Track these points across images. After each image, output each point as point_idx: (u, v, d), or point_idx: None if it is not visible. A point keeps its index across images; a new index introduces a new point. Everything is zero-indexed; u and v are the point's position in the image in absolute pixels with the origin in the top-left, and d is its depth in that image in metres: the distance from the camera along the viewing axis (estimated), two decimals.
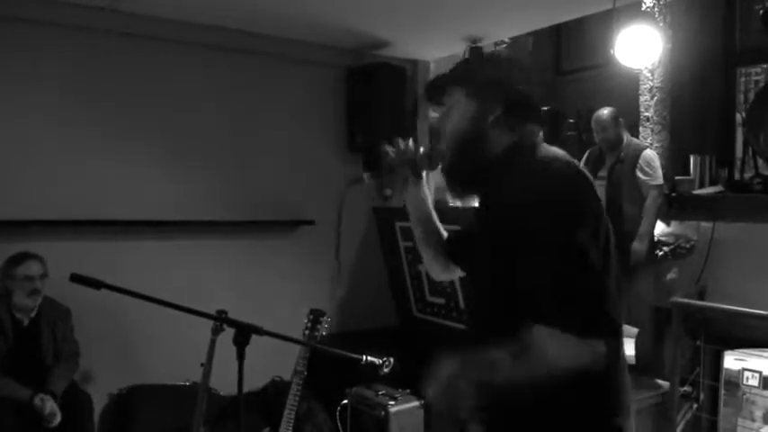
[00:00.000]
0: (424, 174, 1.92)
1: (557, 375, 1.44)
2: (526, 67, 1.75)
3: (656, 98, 4.79)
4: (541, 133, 1.70)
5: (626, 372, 1.63)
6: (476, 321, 1.78)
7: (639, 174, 4.36)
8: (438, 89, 1.75)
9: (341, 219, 4.87)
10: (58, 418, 3.37)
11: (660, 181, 4.37)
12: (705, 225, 4.45)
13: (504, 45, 5.18)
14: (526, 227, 1.46)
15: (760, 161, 4.48)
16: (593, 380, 1.51)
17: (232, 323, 2.10)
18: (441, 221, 2.06)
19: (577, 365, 1.44)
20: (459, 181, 1.75)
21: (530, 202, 1.48)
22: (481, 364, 1.53)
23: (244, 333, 2.04)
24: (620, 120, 4.51)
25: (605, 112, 4.51)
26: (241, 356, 2.03)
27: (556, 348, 1.42)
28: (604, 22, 4.52)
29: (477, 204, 1.78)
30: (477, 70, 1.74)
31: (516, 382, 1.48)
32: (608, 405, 1.57)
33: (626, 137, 4.53)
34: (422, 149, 1.86)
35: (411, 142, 1.86)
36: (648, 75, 4.80)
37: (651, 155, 4.43)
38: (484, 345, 1.56)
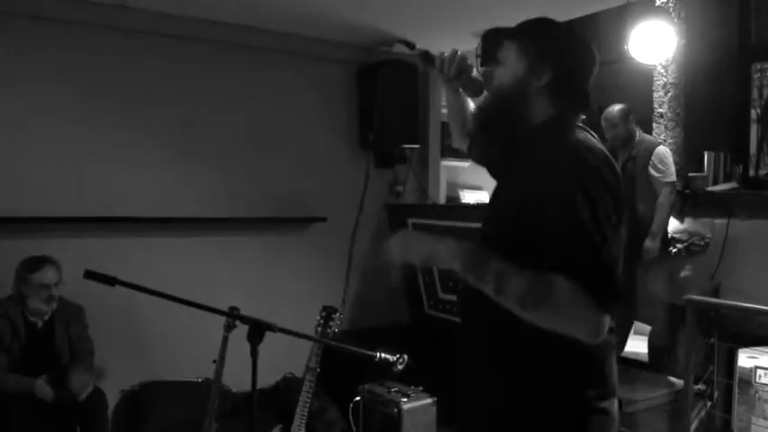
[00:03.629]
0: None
1: (552, 330, 1.41)
2: (591, 48, 1.69)
3: (669, 94, 4.76)
4: (583, 118, 1.66)
5: (614, 356, 1.62)
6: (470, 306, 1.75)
7: (652, 170, 4.33)
8: (494, 41, 1.70)
9: (361, 213, 4.84)
10: (90, 388, 3.47)
11: (673, 178, 4.34)
12: (719, 222, 4.42)
13: None
14: (555, 194, 1.43)
15: None
16: (580, 360, 1.52)
17: (245, 320, 2.10)
18: (451, 219, 2.04)
19: (579, 331, 1.41)
20: (486, 138, 1.71)
21: (563, 175, 1.45)
22: (491, 266, 1.48)
23: (257, 330, 2.04)
24: (631, 116, 4.46)
25: (615, 108, 4.47)
26: (254, 353, 2.03)
27: (572, 301, 1.37)
28: (618, 17, 4.49)
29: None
30: (537, 31, 1.68)
31: (508, 304, 1.45)
32: (594, 387, 1.55)
33: (638, 133, 4.49)
34: (474, 72, 1.81)
35: (459, 53, 1.81)
36: (662, 71, 4.77)
37: (664, 151, 4.40)
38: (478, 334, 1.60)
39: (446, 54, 1.80)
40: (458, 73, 1.75)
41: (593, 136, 1.62)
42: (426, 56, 1.86)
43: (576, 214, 1.41)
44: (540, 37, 1.66)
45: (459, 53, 1.77)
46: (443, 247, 1.59)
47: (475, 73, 1.80)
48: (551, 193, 1.45)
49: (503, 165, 1.71)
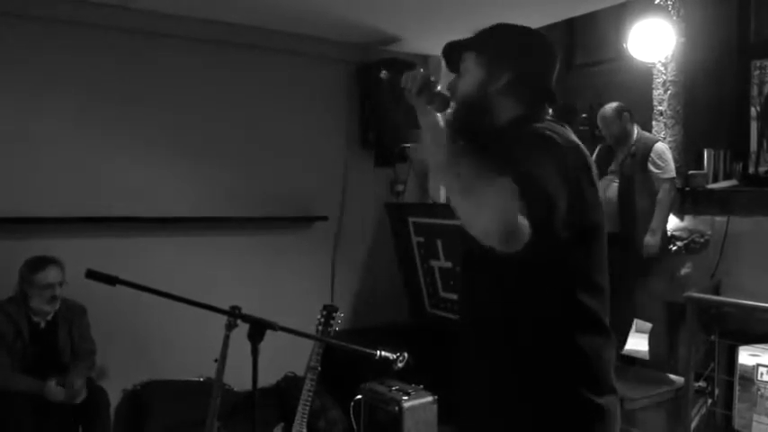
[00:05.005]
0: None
1: (467, 217, 1.42)
2: (550, 46, 1.75)
3: (669, 92, 4.76)
4: (551, 111, 1.70)
5: (611, 354, 1.63)
6: (466, 308, 1.78)
7: (651, 167, 4.33)
8: (453, 54, 1.79)
9: (342, 213, 4.86)
10: (84, 394, 3.44)
11: (672, 174, 4.34)
12: (719, 219, 4.43)
13: None
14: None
15: None
16: (574, 357, 1.54)
17: (246, 319, 2.11)
18: (451, 218, 2.05)
19: (491, 220, 1.35)
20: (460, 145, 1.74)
21: (524, 147, 1.49)
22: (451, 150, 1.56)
23: (258, 328, 2.05)
24: (626, 114, 4.45)
25: (609, 107, 4.46)
26: (255, 352, 2.04)
27: (501, 193, 1.35)
28: (617, 15, 4.50)
29: None
30: (492, 37, 1.74)
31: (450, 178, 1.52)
32: (588, 384, 1.57)
33: (636, 130, 4.49)
34: (439, 87, 1.83)
35: (423, 71, 1.84)
36: (662, 68, 4.77)
37: (663, 148, 4.40)
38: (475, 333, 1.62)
39: (409, 72, 1.83)
40: (420, 90, 1.78)
41: (564, 127, 1.64)
42: (392, 76, 1.91)
43: (531, 161, 1.43)
44: (494, 42, 1.72)
45: (421, 71, 1.82)
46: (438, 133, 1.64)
47: (439, 88, 1.83)
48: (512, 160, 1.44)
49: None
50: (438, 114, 1.79)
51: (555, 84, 1.74)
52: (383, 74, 1.92)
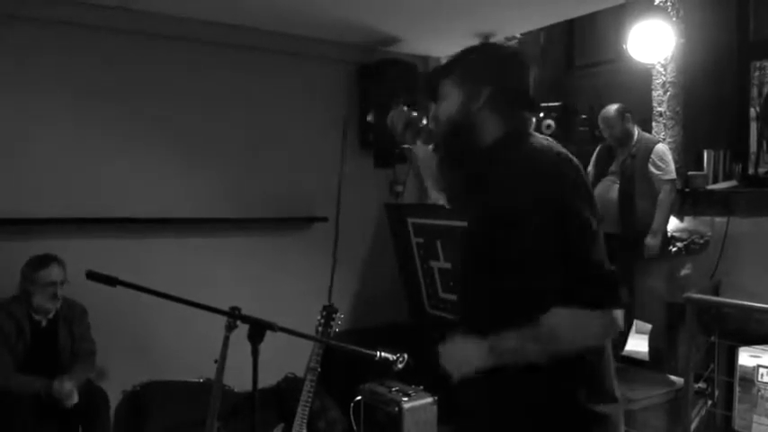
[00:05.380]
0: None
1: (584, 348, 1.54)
2: (519, 54, 1.83)
3: (669, 93, 4.77)
4: (533, 121, 1.75)
5: (611, 358, 1.66)
6: (468, 320, 1.79)
7: (652, 168, 4.33)
8: (431, 84, 1.82)
9: (342, 214, 4.87)
10: (75, 399, 3.42)
11: (673, 175, 4.34)
12: (719, 220, 4.43)
13: (515, 40, 5.17)
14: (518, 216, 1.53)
15: None
16: (573, 367, 1.56)
17: (246, 319, 2.11)
18: (450, 219, 2.12)
19: (597, 339, 1.56)
20: (448, 169, 1.83)
21: (519, 202, 1.55)
22: (499, 349, 1.57)
23: (258, 329, 2.05)
24: (628, 115, 4.45)
25: (611, 108, 4.47)
26: (255, 353, 2.03)
27: (575, 323, 1.50)
28: (617, 16, 4.50)
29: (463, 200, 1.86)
30: (461, 60, 1.78)
31: (529, 363, 1.54)
32: (588, 386, 1.58)
33: (637, 132, 4.49)
34: (423, 122, 1.94)
35: (406, 108, 1.95)
36: (661, 69, 4.77)
37: (663, 149, 4.40)
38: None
39: (393, 112, 1.95)
40: (405, 126, 1.89)
41: (548, 141, 1.69)
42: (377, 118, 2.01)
43: (554, 229, 1.50)
44: (466, 63, 1.77)
45: (404, 108, 1.92)
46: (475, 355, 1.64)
47: (424, 122, 1.93)
48: (522, 210, 1.53)
49: (467, 192, 1.81)
50: (428, 147, 1.84)
51: (532, 92, 1.77)
52: (369, 118, 2.02)
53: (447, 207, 2.16)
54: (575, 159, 1.62)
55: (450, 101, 1.74)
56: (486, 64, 1.74)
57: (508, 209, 1.56)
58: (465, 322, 1.76)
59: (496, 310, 1.61)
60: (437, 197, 2.09)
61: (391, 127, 1.94)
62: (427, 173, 2.06)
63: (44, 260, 3.51)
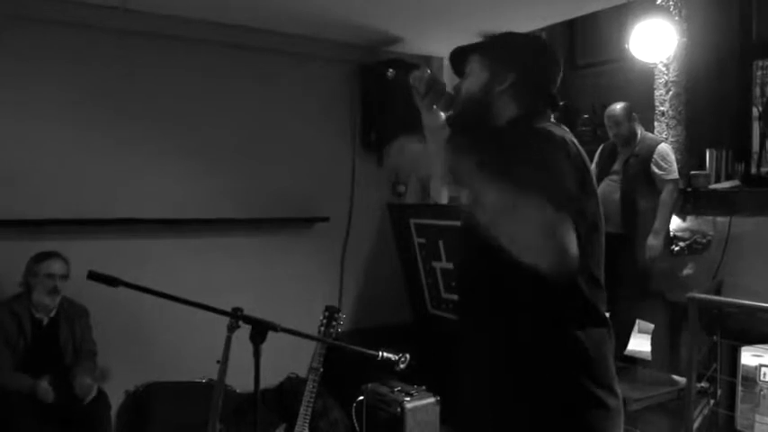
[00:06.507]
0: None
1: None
2: (554, 55, 1.83)
3: (671, 92, 4.76)
4: (550, 115, 1.77)
5: (612, 344, 1.67)
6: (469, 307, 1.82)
7: (654, 168, 4.33)
8: (460, 57, 1.85)
9: (344, 214, 4.88)
10: (94, 392, 3.48)
11: (675, 175, 4.33)
12: (721, 220, 4.42)
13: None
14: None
15: None
16: (573, 350, 1.57)
17: (248, 320, 2.11)
18: (452, 219, 2.11)
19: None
20: (460, 143, 1.80)
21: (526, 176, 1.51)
22: None
23: (260, 330, 2.05)
24: (634, 114, 4.46)
25: (618, 107, 4.47)
26: (257, 353, 2.03)
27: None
28: (619, 15, 4.49)
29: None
30: (495, 41, 1.82)
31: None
32: (589, 375, 1.58)
33: (640, 131, 4.49)
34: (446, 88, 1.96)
35: (429, 71, 1.97)
36: (663, 69, 4.76)
37: (666, 149, 4.39)
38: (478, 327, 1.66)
39: (417, 73, 1.96)
40: (427, 89, 1.90)
41: (561, 128, 1.70)
42: (398, 75, 2.00)
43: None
44: (500, 46, 1.80)
45: (428, 71, 1.94)
46: None
47: (446, 89, 1.95)
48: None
49: (479, 169, 1.76)
50: (442, 115, 1.83)
51: (557, 88, 1.80)
52: (390, 72, 1.99)
53: (446, 199, 2.15)
54: (584, 153, 1.63)
55: (475, 78, 1.77)
56: (519, 52, 1.78)
57: (514, 183, 1.52)
58: (464, 305, 1.79)
59: (496, 289, 1.62)
60: (436, 194, 2.08)
61: (414, 87, 1.96)
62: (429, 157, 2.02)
63: (48, 254, 3.56)
